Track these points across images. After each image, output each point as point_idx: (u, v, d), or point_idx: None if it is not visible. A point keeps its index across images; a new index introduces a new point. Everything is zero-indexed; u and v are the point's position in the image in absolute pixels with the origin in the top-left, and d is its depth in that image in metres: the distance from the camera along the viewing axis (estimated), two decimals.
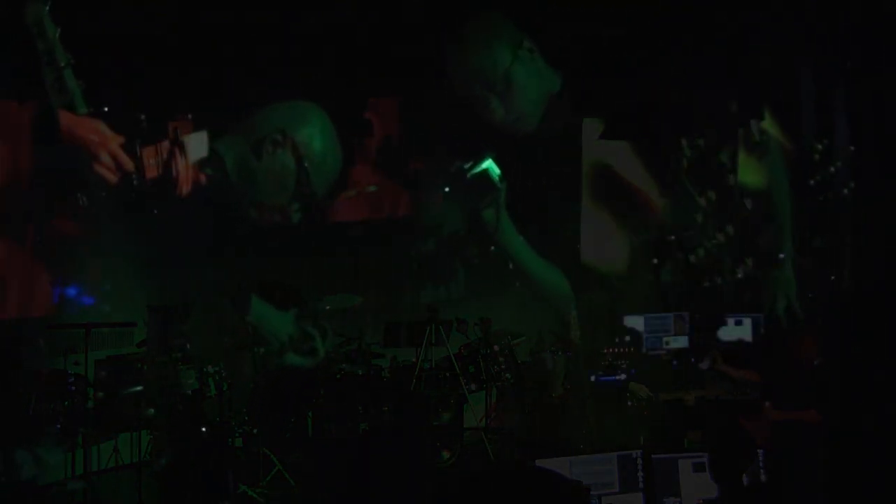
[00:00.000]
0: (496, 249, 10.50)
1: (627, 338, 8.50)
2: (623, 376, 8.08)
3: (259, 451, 7.80)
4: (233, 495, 6.67)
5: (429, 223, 10.51)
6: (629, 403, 7.92)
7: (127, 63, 8.83)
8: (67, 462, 7.68)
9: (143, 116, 9.24)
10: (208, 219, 9.51)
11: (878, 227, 8.40)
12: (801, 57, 9.30)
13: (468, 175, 10.05)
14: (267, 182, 9.91)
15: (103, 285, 9.09)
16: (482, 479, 2.99)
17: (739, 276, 9.97)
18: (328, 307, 9.26)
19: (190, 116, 9.55)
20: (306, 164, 9.93)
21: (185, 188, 9.48)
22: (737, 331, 8.61)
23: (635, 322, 8.59)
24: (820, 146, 9.37)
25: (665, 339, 8.60)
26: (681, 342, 8.59)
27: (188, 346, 8.10)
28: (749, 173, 9.97)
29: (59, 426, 7.54)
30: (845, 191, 9.09)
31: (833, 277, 9.09)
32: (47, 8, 8.30)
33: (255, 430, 8.03)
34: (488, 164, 10.02)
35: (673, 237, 10.28)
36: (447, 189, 10.35)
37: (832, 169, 9.23)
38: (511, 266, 10.48)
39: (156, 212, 9.33)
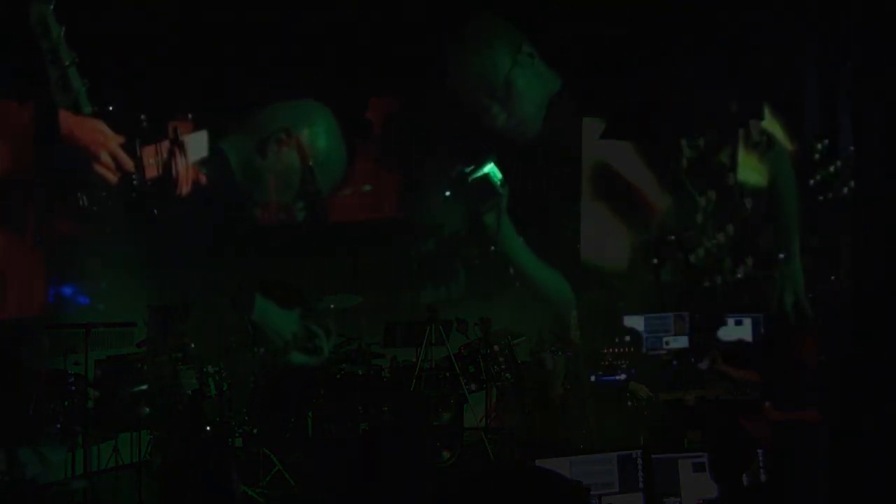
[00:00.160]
0: (496, 250, 10.49)
1: (627, 338, 8.49)
2: (623, 376, 8.07)
3: (259, 451, 7.81)
4: (237, 496, 6.65)
5: (429, 223, 10.51)
6: (629, 403, 7.91)
7: (128, 63, 8.83)
8: (67, 462, 7.68)
9: (143, 116, 9.24)
10: (208, 219, 9.51)
11: (878, 227, 8.40)
12: (802, 57, 9.29)
13: (469, 179, 10.01)
14: (272, 181, 9.91)
15: (102, 285, 9.08)
16: (482, 479, 2.98)
17: (739, 276, 9.96)
18: (332, 305, 9.26)
19: (190, 116, 9.54)
20: (311, 163, 9.92)
21: (185, 188, 9.47)
22: (737, 331, 8.61)
23: (635, 322, 8.58)
24: (820, 146, 9.36)
25: (665, 339, 8.60)
26: (681, 342, 8.58)
27: (189, 345, 8.09)
28: (749, 173, 9.97)
29: (59, 426, 7.53)
30: (845, 190, 9.08)
31: (833, 277, 9.09)
32: (52, 7, 8.29)
33: (255, 430, 8.03)
34: (490, 168, 9.97)
35: (673, 237, 10.27)
36: (448, 194, 10.34)
37: (832, 169, 9.22)
38: (512, 271, 10.47)
39: (156, 212, 9.33)
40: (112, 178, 9.06)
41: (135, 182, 9.18)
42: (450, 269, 10.53)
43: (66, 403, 7.63)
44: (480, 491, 2.81)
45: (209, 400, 7.94)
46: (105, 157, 8.99)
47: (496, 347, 8.84)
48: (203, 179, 9.56)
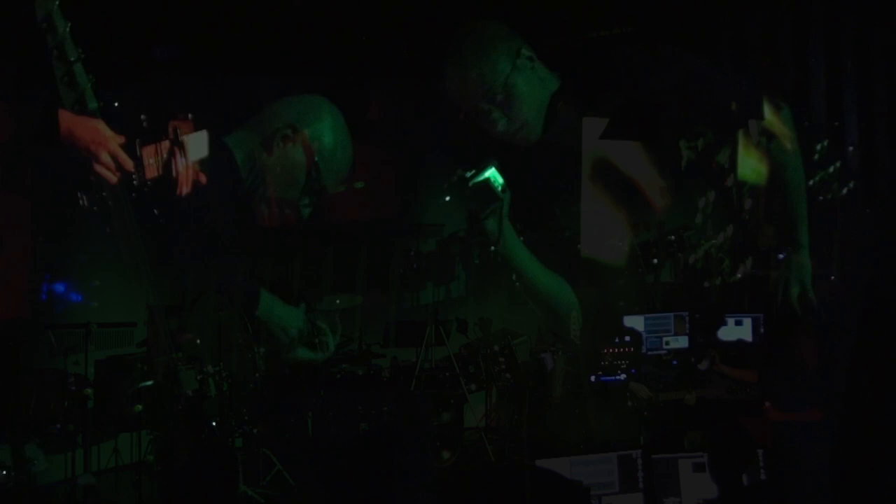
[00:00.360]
0: (498, 256, 10.46)
1: (627, 338, 8.48)
2: (623, 376, 8.07)
3: (259, 451, 7.80)
4: (238, 497, 6.67)
5: (429, 223, 10.49)
6: (629, 403, 7.91)
7: (127, 62, 8.82)
8: (67, 462, 7.68)
9: (143, 116, 9.23)
10: (209, 219, 9.50)
11: (878, 227, 8.41)
12: (803, 57, 9.29)
13: (470, 184, 9.95)
14: (277, 177, 9.88)
15: (101, 284, 9.07)
16: (482, 479, 2.99)
17: (739, 276, 9.96)
18: (338, 301, 9.24)
19: (190, 116, 9.53)
20: (317, 159, 9.89)
21: (185, 188, 9.46)
22: (737, 331, 8.61)
23: (635, 322, 8.58)
24: (819, 147, 9.36)
25: (665, 339, 8.60)
26: (681, 342, 8.59)
27: (194, 342, 8.09)
28: (749, 172, 9.96)
29: (59, 426, 7.53)
30: (845, 191, 9.08)
31: (832, 277, 9.09)
32: (57, 3, 8.26)
33: (255, 430, 8.03)
34: (491, 173, 9.87)
35: (673, 237, 10.27)
36: (448, 199, 10.31)
37: (831, 169, 9.22)
38: (514, 277, 10.44)
39: (156, 212, 9.32)
40: (112, 178, 9.04)
41: (135, 182, 9.17)
42: (450, 269, 10.52)
43: (66, 403, 7.63)
44: (480, 491, 2.82)
45: (209, 400, 7.94)
46: (105, 158, 8.97)
47: (496, 347, 8.84)
48: (203, 179, 9.54)
